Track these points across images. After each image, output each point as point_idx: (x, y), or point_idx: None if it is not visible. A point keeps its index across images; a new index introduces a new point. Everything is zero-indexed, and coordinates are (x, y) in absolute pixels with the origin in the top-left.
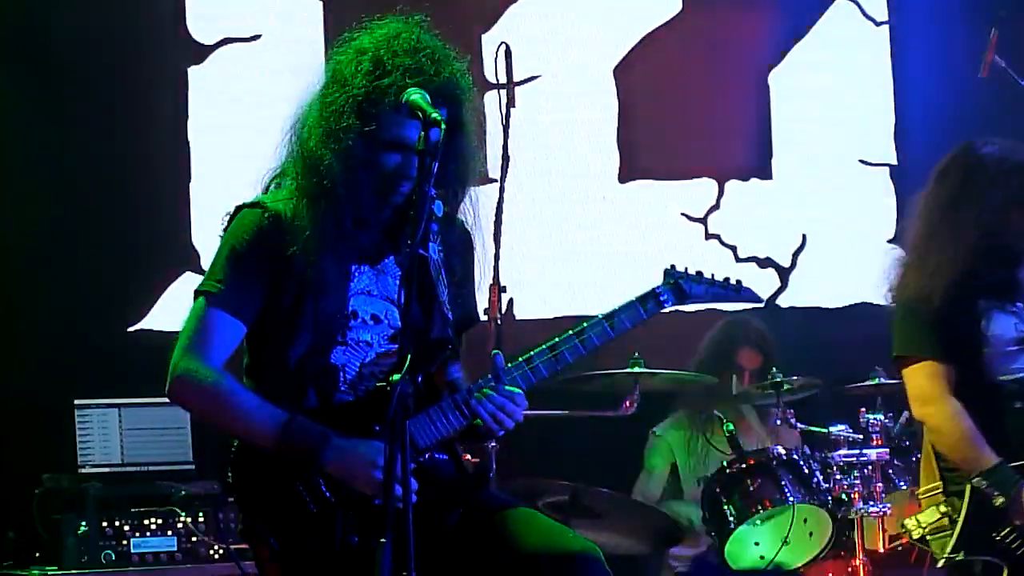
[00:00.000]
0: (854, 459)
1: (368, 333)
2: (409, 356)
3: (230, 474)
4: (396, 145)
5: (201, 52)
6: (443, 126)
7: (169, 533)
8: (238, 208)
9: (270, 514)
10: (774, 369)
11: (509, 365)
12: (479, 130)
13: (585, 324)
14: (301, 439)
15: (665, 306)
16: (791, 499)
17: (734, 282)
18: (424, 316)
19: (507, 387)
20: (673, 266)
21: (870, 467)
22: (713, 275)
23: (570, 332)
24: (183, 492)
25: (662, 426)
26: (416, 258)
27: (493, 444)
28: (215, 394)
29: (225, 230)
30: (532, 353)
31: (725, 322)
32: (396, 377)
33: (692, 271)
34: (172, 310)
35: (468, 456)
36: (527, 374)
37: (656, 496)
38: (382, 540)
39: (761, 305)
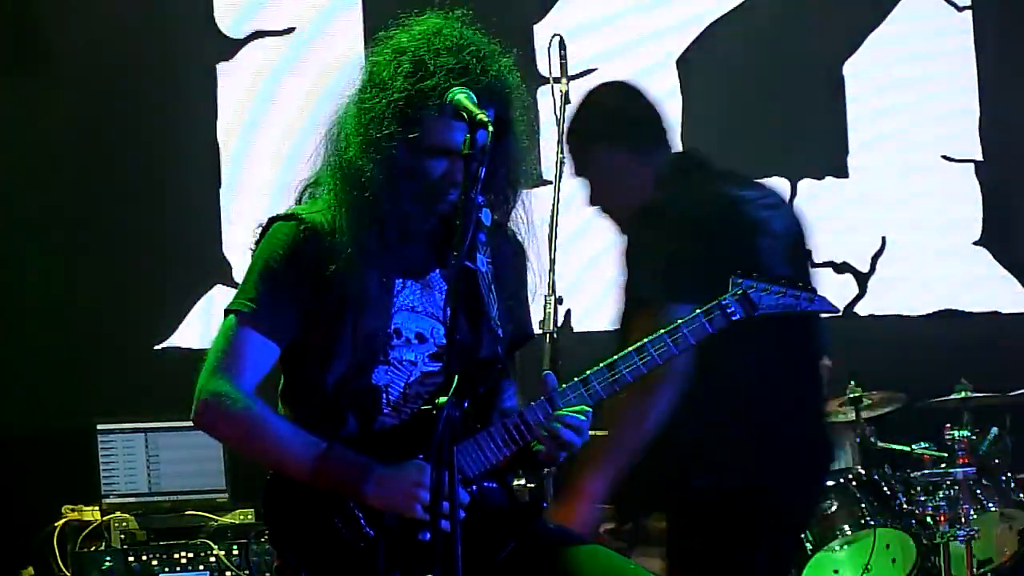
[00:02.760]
0: (938, 479)
1: (412, 352)
2: (456, 376)
3: (264, 506)
4: (442, 151)
5: (231, 47)
6: (491, 128)
7: (201, 568)
8: (271, 220)
9: (306, 550)
10: (852, 383)
11: (563, 387)
12: (530, 130)
13: (647, 340)
14: (341, 471)
15: (733, 318)
16: (872, 523)
17: (808, 290)
18: (472, 333)
19: (570, 409)
20: (740, 272)
21: (956, 487)
22: (785, 282)
23: (631, 349)
24: (215, 523)
25: None
26: (462, 271)
27: (551, 469)
28: (245, 420)
29: (257, 243)
30: (588, 373)
31: None
32: (442, 400)
33: (762, 278)
34: (202, 326)
35: (522, 481)
36: (583, 396)
37: None
38: None
39: (838, 315)
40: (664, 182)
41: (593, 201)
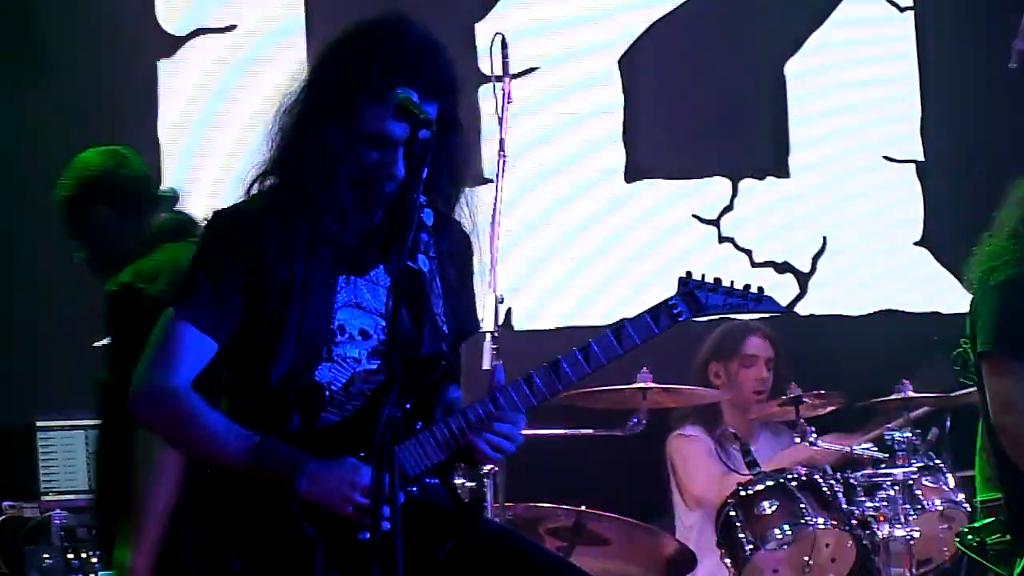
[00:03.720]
0: (879, 479)
1: (356, 349)
2: (397, 378)
3: (200, 502)
4: (376, 139)
5: (172, 44)
6: (433, 128)
7: None
8: (215, 215)
9: (242, 546)
10: (793, 384)
11: (507, 385)
12: (472, 127)
13: (590, 340)
14: (272, 464)
15: (679, 319)
16: (812, 523)
17: (755, 290)
18: (414, 330)
19: (505, 411)
20: (689, 274)
21: (896, 487)
22: (732, 283)
23: (575, 349)
24: None
25: (687, 431)
26: (404, 271)
27: (492, 467)
28: (179, 412)
29: (200, 239)
30: (532, 372)
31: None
32: (383, 400)
33: (709, 279)
34: None
35: (464, 480)
36: (526, 395)
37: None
38: None
39: (783, 314)
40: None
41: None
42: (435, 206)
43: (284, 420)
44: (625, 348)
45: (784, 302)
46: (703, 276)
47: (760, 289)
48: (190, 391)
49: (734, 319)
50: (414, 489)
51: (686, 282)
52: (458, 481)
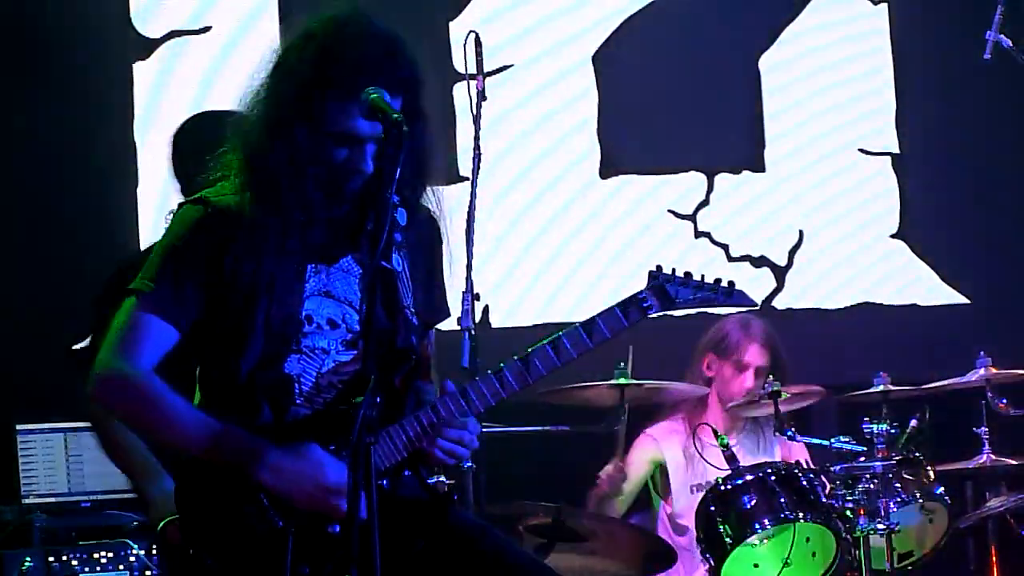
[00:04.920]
0: (858, 472)
1: (324, 339)
2: (373, 375)
3: (176, 496)
4: (344, 137)
5: (147, 46)
6: (405, 128)
7: (121, 567)
8: (181, 204)
9: (215, 540)
10: (771, 377)
11: (477, 378)
12: (440, 122)
13: (560, 333)
14: (232, 452)
15: (649, 313)
16: (791, 517)
17: (726, 284)
18: (389, 321)
19: (459, 418)
20: (659, 268)
21: (875, 481)
22: (703, 277)
23: (544, 342)
24: (135, 523)
25: (657, 428)
26: (379, 272)
27: (469, 464)
28: (140, 397)
29: (167, 228)
30: (503, 365)
31: (727, 319)
32: (359, 399)
33: (680, 273)
34: None
35: (442, 478)
36: (496, 388)
37: (622, 493)
38: None
39: (756, 308)
40: None
41: None
42: (403, 199)
43: (254, 413)
44: (595, 341)
45: (761, 296)
46: (673, 270)
47: (731, 283)
48: (152, 376)
49: (744, 313)
50: (385, 483)
51: (656, 276)
52: (439, 479)
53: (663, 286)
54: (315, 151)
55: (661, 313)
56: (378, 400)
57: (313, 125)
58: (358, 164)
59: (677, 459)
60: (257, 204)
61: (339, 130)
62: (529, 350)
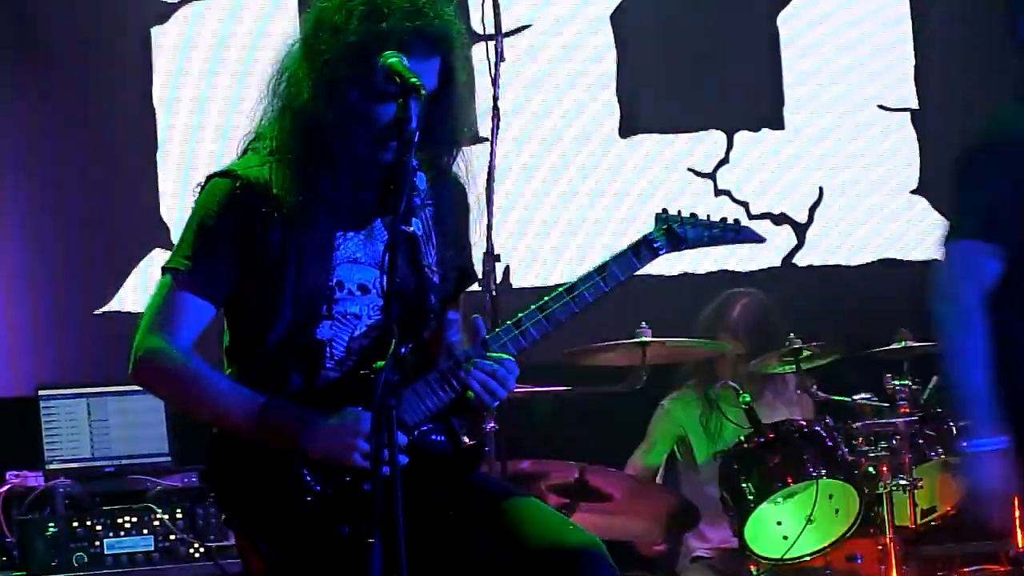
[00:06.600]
0: (880, 429)
1: (356, 305)
2: (394, 338)
3: (208, 468)
4: (392, 96)
5: (165, 10)
6: (423, 92)
7: (145, 532)
8: (209, 178)
9: (253, 510)
10: (792, 334)
11: (497, 330)
12: (470, 84)
13: (576, 280)
14: (278, 422)
15: (660, 253)
16: (814, 474)
17: (732, 221)
18: (415, 280)
19: (495, 353)
20: (665, 210)
21: (898, 437)
22: (708, 216)
23: (560, 290)
24: (159, 487)
25: (672, 397)
26: (399, 236)
27: (491, 424)
28: (182, 376)
29: (195, 202)
30: (521, 315)
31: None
32: (380, 364)
33: (686, 214)
34: (142, 290)
35: (467, 439)
36: (517, 338)
37: (652, 470)
38: (370, 540)
39: (763, 243)
40: None
41: None
42: (432, 162)
43: (284, 380)
44: (609, 285)
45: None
46: (679, 211)
47: (736, 221)
48: (191, 353)
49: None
50: (415, 435)
51: (664, 217)
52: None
53: (672, 226)
54: (365, 111)
55: (670, 253)
56: (403, 350)
57: (363, 85)
58: (405, 123)
59: (695, 431)
60: (301, 172)
61: (387, 89)
62: (546, 298)
